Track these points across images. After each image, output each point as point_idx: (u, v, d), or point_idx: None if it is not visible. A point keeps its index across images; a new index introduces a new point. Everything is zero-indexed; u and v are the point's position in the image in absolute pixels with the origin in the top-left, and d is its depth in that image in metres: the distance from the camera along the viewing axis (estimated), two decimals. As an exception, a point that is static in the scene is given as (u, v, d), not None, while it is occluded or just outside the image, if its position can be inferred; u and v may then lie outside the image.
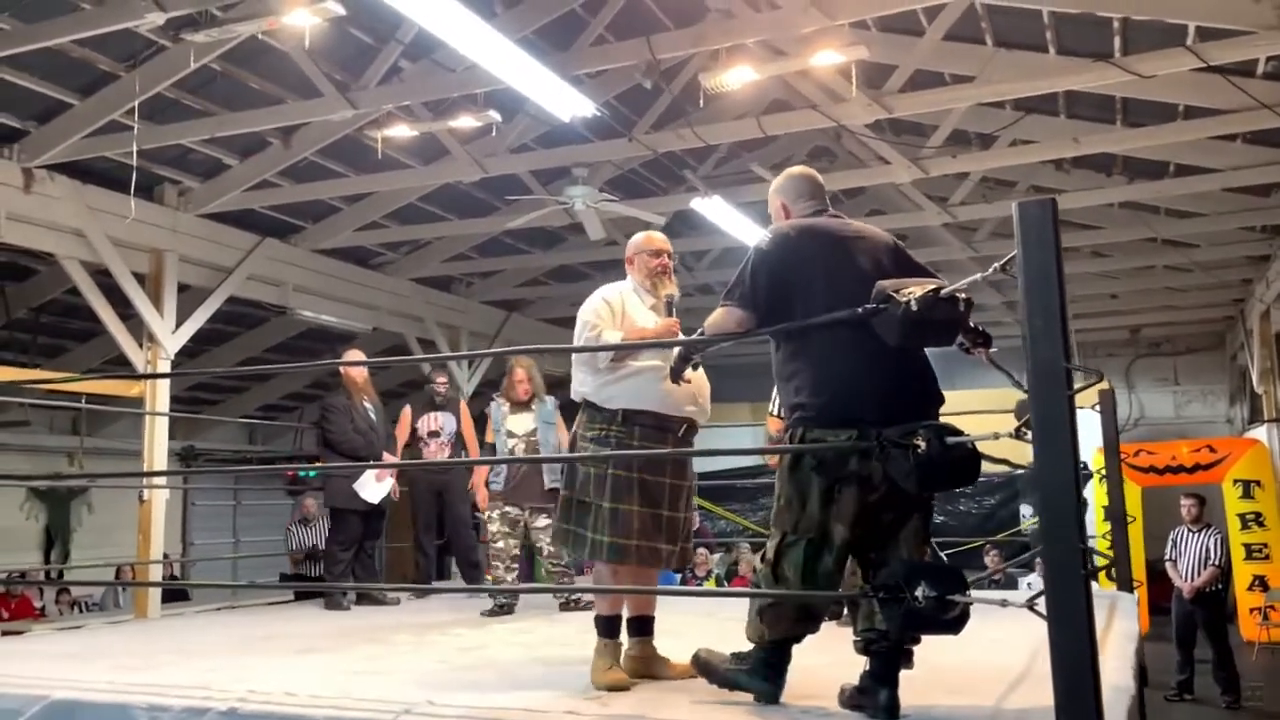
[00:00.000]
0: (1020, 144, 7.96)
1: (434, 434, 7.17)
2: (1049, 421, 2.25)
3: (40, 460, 11.56)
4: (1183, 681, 8.25)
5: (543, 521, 5.85)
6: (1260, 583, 11.01)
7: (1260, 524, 11.25)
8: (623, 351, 3.43)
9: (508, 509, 5.98)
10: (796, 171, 3.31)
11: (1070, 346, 2.29)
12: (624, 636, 3.55)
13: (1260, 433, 12.05)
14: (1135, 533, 11.68)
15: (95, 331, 9.67)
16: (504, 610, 5.77)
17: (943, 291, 2.64)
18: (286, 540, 9.56)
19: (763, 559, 2.94)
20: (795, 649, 3.03)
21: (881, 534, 2.86)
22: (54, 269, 8.05)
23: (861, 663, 2.89)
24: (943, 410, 2.97)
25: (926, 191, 9.06)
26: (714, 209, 8.07)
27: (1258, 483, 11.35)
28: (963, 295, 2.69)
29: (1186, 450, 11.91)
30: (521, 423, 6.11)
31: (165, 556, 10.65)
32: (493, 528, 6.01)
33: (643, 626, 3.59)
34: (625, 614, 3.60)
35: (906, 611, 2.55)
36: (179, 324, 7.84)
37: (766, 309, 2.94)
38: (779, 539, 2.87)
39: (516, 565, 6.16)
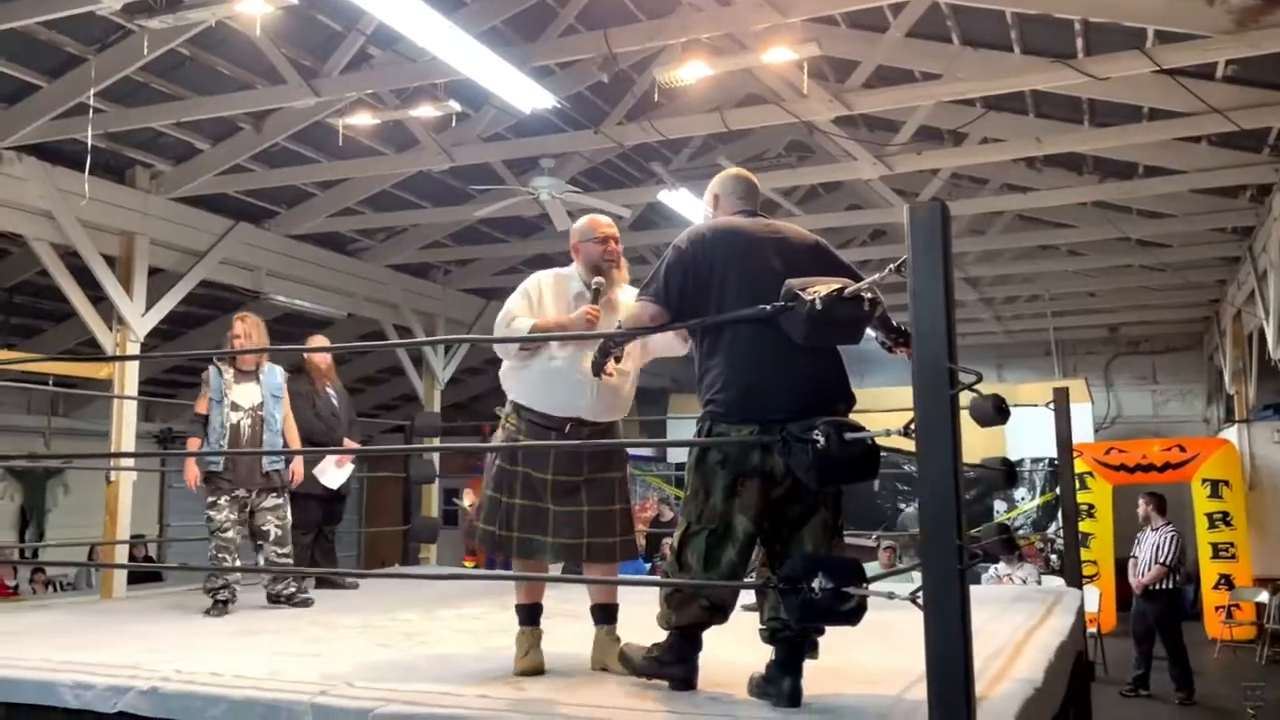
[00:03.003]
0: (988, 142, 8.01)
1: None
2: (931, 421, 2.31)
3: (16, 440, 11.59)
4: (1138, 677, 8.34)
5: (270, 502, 5.56)
6: (1226, 581, 11.12)
7: (1227, 523, 11.35)
8: (534, 344, 3.44)
9: (238, 492, 5.48)
10: (733, 172, 3.39)
11: (955, 348, 2.34)
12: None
13: (1231, 433, 12.15)
14: (1105, 530, 11.87)
15: (69, 312, 9.69)
16: (226, 606, 5.28)
17: (846, 291, 2.70)
18: None
19: (670, 547, 3.01)
20: (720, 635, 3.10)
21: (788, 527, 2.93)
22: (27, 250, 8.10)
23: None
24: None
25: (899, 187, 9.11)
26: (681, 202, 8.12)
27: (1226, 482, 11.45)
28: (868, 295, 2.74)
29: (1157, 449, 12.00)
30: (247, 394, 5.58)
31: (141, 537, 10.74)
32: (221, 515, 5.42)
33: (604, 614, 3.57)
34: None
35: (804, 603, 2.61)
36: (149, 306, 7.88)
37: (679, 305, 3.00)
38: (684, 528, 2.95)
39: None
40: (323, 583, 6.51)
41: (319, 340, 7.18)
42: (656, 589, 3.19)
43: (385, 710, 2.79)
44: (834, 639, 3.03)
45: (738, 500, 2.86)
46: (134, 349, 7.66)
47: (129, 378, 7.68)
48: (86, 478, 11.59)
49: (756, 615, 3.45)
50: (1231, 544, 11.29)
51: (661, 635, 3.16)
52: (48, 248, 7.35)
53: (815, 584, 2.60)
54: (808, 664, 2.94)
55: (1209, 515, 11.42)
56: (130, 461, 7.98)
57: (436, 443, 9.58)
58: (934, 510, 2.30)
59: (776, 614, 2.88)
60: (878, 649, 3.53)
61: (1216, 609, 10.97)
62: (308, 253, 9.70)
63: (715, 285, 2.98)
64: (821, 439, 2.64)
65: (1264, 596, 10.21)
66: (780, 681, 2.87)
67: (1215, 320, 13.28)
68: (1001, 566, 9.26)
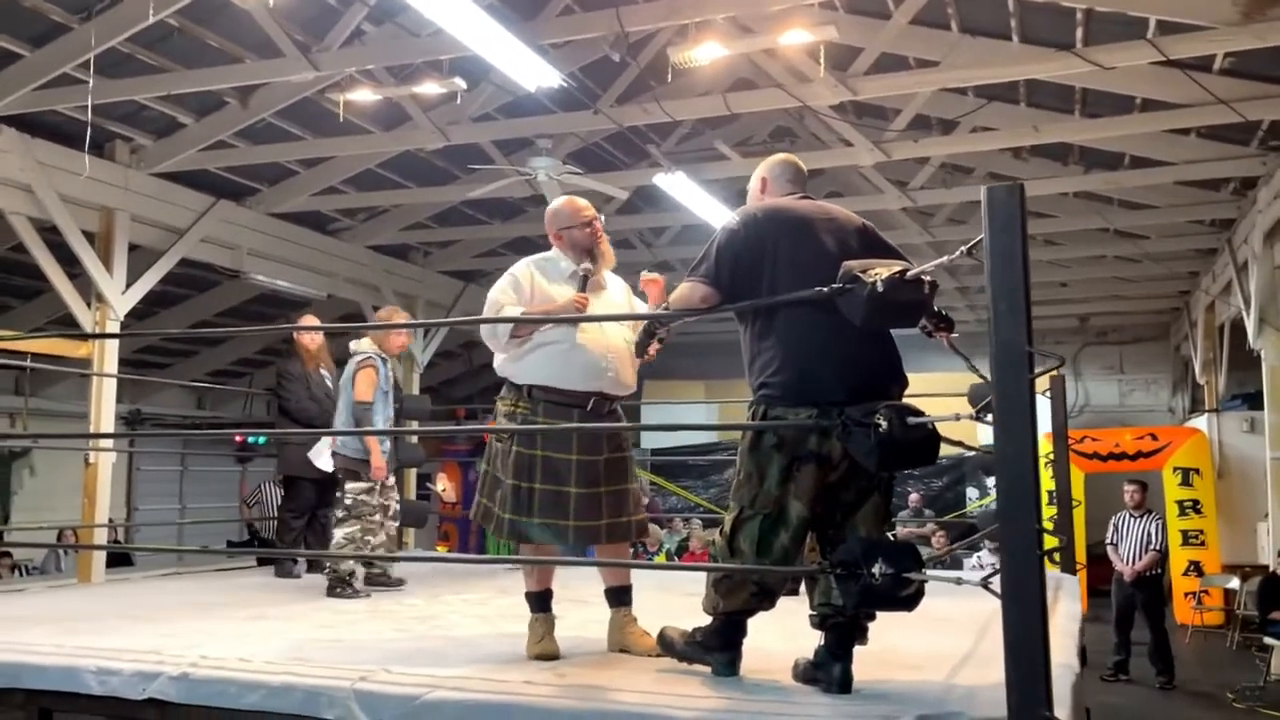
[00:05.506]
0: (981, 130, 8.03)
1: None
2: (1010, 403, 2.28)
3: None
4: (1119, 662, 8.46)
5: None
6: (1196, 568, 11.32)
7: (1198, 511, 11.54)
8: (525, 327, 3.40)
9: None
10: (784, 157, 3.35)
11: (1031, 330, 2.32)
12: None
13: (1201, 422, 12.35)
14: (1078, 517, 11.90)
15: (41, 289, 9.45)
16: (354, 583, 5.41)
17: (908, 274, 2.66)
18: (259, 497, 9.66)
19: (720, 532, 2.97)
20: (752, 623, 3.07)
21: (841, 512, 2.90)
22: (2, 224, 7.84)
23: (817, 637, 2.94)
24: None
25: (887, 175, 9.12)
26: (677, 185, 8.05)
27: (1196, 471, 11.64)
28: (928, 278, 2.72)
29: (1130, 438, 12.17)
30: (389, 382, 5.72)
31: (110, 521, 10.51)
32: (375, 500, 5.59)
33: (619, 597, 3.54)
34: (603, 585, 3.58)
35: (863, 588, 2.58)
36: (129, 284, 7.67)
37: (730, 287, 2.95)
38: (736, 513, 2.90)
39: None
40: (315, 566, 6.41)
41: (311, 320, 7.04)
42: (654, 574, 3.16)
43: (433, 696, 2.72)
44: (872, 625, 3.02)
45: (793, 485, 2.82)
46: (113, 327, 7.45)
47: (109, 357, 7.48)
48: (54, 460, 11.34)
49: (791, 600, 3.43)
50: (1201, 531, 11.49)
51: (676, 618, 3.13)
52: (25, 222, 7.12)
53: (875, 569, 2.58)
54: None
55: (1180, 503, 11.61)
56: (110, 443, 7.79)
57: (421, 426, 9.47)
58: (1013, 495, 2.27)
59: (828, 599, 2.86)
60: (917, 634, 3.52)
61: (1186, 595, 11.16)
62: (288, 232, 9.50)
63: (767, 266, 2.93)
64: (884, 423, 2.61)
65: (1234, 583, 10.40)
66: (831, 667, 2.84)
67: (1185, 311, 13.47)
68: (985, 555, 9.35)
